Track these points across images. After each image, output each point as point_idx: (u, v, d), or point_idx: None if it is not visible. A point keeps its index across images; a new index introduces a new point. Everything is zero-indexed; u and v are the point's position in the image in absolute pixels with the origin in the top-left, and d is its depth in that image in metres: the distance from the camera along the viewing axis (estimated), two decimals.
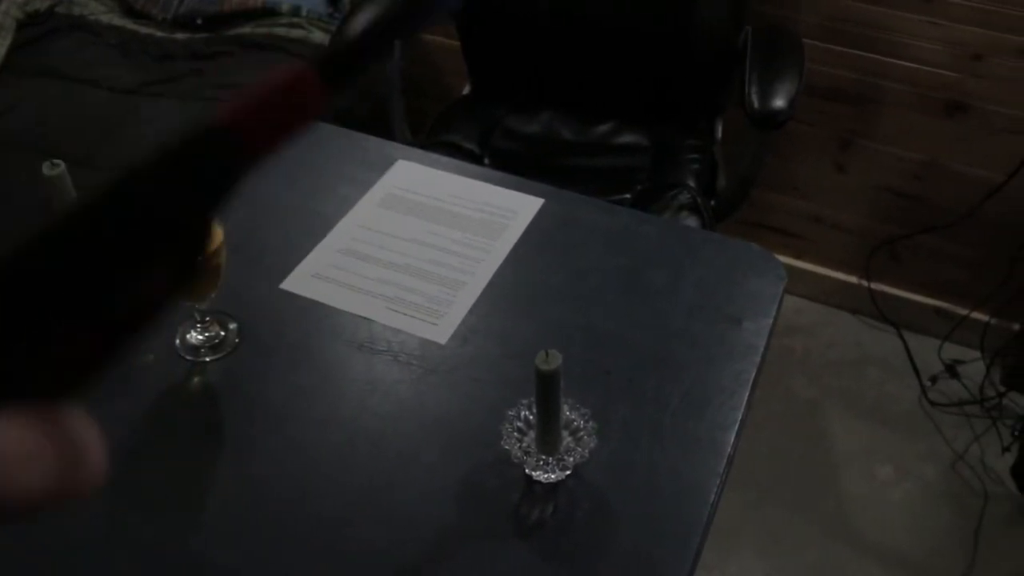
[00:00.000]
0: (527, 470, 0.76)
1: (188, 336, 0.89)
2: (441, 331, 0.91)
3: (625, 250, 1.00)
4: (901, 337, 2.04)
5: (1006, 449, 1.80)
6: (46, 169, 0.86)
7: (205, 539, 0.75)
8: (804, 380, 1.98)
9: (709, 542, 0.74)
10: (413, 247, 1.01)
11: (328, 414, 0.84)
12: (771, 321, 0.91)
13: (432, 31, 2.10)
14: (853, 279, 2.08)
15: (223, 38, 2.00)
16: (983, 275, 1.92)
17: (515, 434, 0.75)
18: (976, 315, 1.94)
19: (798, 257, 2.12)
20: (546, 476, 0.76)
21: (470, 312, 0.93)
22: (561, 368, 0.69)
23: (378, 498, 0.76)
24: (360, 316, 0.92)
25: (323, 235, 1.02)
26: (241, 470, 0.79)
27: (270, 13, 2.03)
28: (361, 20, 0.24)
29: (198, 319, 0.88)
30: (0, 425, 0.22)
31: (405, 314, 0.92)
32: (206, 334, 0.89)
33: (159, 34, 2.04)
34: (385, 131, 1.48)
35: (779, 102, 1.36)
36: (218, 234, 0.82)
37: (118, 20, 2.08)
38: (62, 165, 0.87)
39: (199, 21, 2.04)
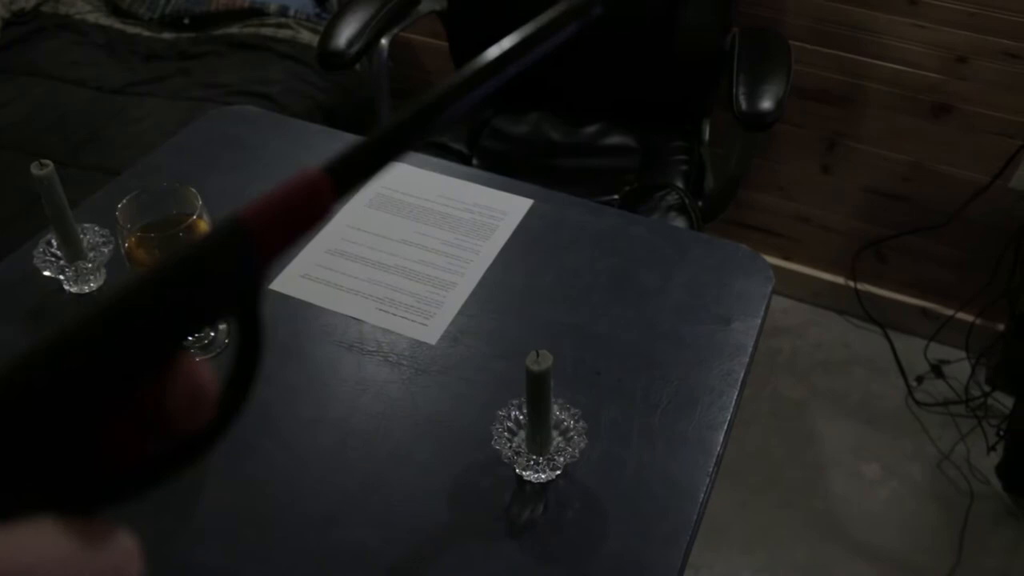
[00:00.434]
0: (517, 470, 0.76)
1: None
2: (431, 331, 0.91)
3: (614, 251, 1.00)
4: (887, 337, 2.05)
5: (991, 448, 1.82)
6: (35, 169, 0.86)
7: (195, 540, 0.74)
8: (791, 380, 1.99)
9: (697, 541, 0.75)
10: (403, 247, 1.01)
11: (318, 414, 0.84)
12: (759, 321, 0.92)
13: (416, 30, 2.10)
14: (840, 280, 2.10)
15: (210, 38, 1.99)
16: (968, 276, 1.94)
17: (505, 434, 0.75)
18: (961, 315, 1.95)
19: (785, 258, 2.13)
20: (536, 476, 0.76)
21: (460, 312, 0.93)
22: (551, 368, 0.69)
23: (369, 498, 0.76)
24: (350, 316, 0.92)
25: (312, 235, 1.02)
26: (232, 470, 0.79)
27: (257, 13, 2.03)
28: (382, 126, 0.24)
29: None
30: (39, 537, 0.22)
31: (395, 314, 0.92)
32: (196, 334, 0.89)
33: (146, 34, 2.03)
34: (370, 130, 1.48)
35: (767, 104, 1.37)
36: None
37: (105, 19, 2.07)
38: (51, 165, 0.86)
39: (186, 21, 2.03)
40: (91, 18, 2.07)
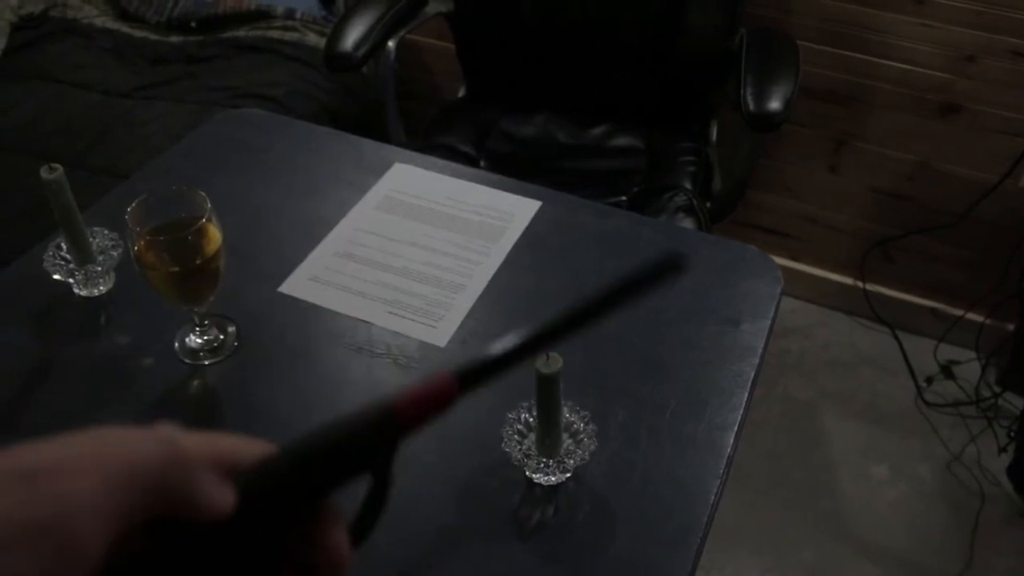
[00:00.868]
0: (527, 472, 0.76)
1: (187, 339, 0.89)
2: (440, 334, 0.91)
3: (622, 252, 1.00)
4: (896, 338, 2.05)
5: (1002, 450, 1.81)
6: (44, 173, 0.86)
7: None
8: (800, 381, 1.98)
9: (707, 542, 0.74)
10: (411, 250, 1.01)
11: (328, 417, 0.83)
12: (769, 322, 0.91)
13: (423, 32, 2.10)
14: (848, 280, 2.09)
15: (217, 41, 1.99)
16: (978, 276, 1.93)
17: (515, 437, 0.75)
18: (971, 316, 1.95)
19: (793, 258, 2.13)
20: (546, 478, 0.76)
21: (469, 315, 0.93)
22: (561, 371, 0.69)
23: None
24: (359, 319, 0.92)
25: (321, 238, 1.02)
26: None
27: (264, 16, 2.03)
28: (505, 342, 0.27)
29: (197, 322, 0.88)
30: None
31: (404, 317, 0.92)
32: (205, 337, 0.89)
33: (153, 37, 2.03)
34: (378, 133, 1.48)
35: (775, 104, 1.36)
36: (217, 237, 0.82)
37: (112, 23, 2.08)
38: (60, 169, 0.87)
39: (193, 24, 2.03)
40: (98, 22, 2.07)
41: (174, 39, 2.02)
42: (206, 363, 0.88)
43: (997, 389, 1.91)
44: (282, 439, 0.86)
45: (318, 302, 0.94)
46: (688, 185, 1.54)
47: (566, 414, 0.76)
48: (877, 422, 1.90)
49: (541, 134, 1.69)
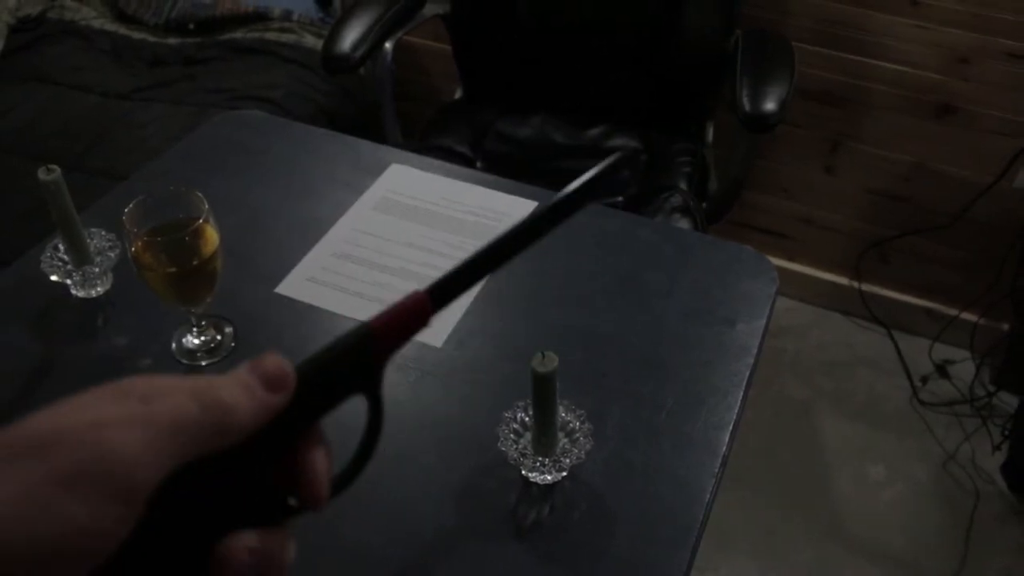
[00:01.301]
0: (524, 471, 0.76)
1: (184, 340, 0.90)
2: (437, 334, 0.91)
3: (619, 253, 1.00)
4: (891, 338, 2.05)
5: (996, 448, 1.81)
6: (42, 174, 0.86)
7: None
8: (796, 381, 1.99)
9: (702, 542, 0.75)
10: (408, 251, 1.01)
11: (324, 417, 0.84)
12: (764, 322, 0.92)
13: (420, 34, 2.11)
14: (843, 280, 2.10)
15: (215, 43, 2.00)
16: (972, 276, 1.94)
17: (512, 436, 0.76)
18: (966, 315, 1.95)
19: (789, 259, 2.13)
20: (542, 477, 0.76)
21: (466, 315, 0.93)
22: (557, 370, 0.69)
23: (375, 499, 0.76)
24: (356, 319, 0.92)
25: (318, 239, 1.02)
26: None
27: (261, 17, 2.03)
28: (471, 253, 0.28)
29: (194, 323, 0.88)
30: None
31: None
32: (202, 338, 0.89)
33: (151, 39, 2.04)
34: (375, 134, 1.49)
35: (770, 105, 1.37)
36: (214, 238, 0.82)
37: (110, 25, 2.08)
38: (57, 170, 0.87)
39: (191, 26, 2.04)
40: (96, 24, 2.07)
41: (172, 41, 2.02)
42: (203, 364, 0.88)
43: (991, 388, 1.92)
44: None
45: (315, 303, 0.95)
46: (684, 186, 1.55)
47: (562, 413, 0.76)
48: (872, 422, 1.91)
49: (537, 135, 1.70)
